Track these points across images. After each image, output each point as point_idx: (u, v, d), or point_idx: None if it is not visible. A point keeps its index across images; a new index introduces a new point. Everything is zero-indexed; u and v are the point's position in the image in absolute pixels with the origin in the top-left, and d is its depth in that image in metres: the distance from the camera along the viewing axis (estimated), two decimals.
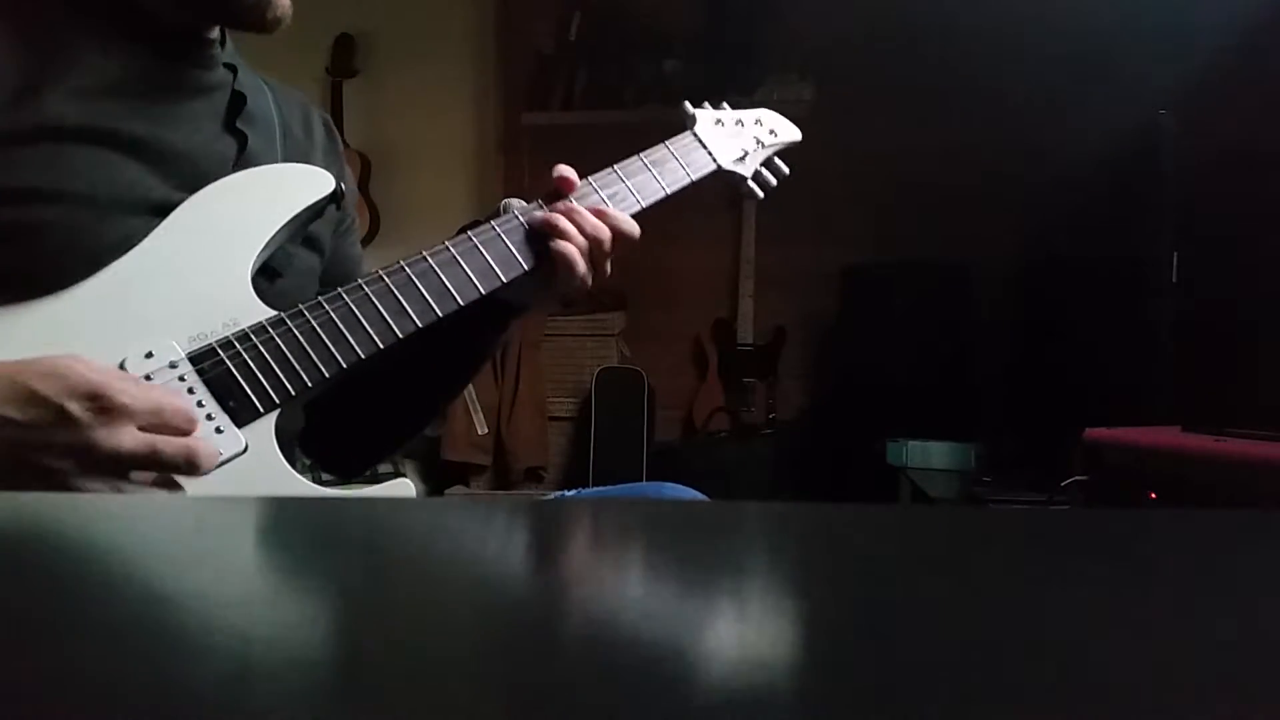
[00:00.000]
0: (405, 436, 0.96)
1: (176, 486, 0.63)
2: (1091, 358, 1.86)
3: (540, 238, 0.79)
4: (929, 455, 2.23)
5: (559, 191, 0.81)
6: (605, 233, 0.79)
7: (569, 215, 0.79)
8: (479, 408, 2.66)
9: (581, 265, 0.78)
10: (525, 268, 0.78)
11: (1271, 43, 1.86)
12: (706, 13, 2.82)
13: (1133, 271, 1.66)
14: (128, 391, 0.61)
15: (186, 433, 0.63)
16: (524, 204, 0.82)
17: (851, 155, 2.61)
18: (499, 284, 0.77)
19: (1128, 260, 1.69)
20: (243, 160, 0.77)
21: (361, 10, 2.95)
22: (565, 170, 0.81)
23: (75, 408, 0.59)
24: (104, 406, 0.59)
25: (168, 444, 0.61)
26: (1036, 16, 2.29)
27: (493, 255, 0.77)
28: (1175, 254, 1.57)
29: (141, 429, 0.61)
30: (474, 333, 0.84)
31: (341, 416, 0.85)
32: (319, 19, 2.86)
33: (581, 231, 0.78)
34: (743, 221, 2.82)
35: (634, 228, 0.82)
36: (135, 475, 0.61)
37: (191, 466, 0.62)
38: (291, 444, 0.79)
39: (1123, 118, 1.75)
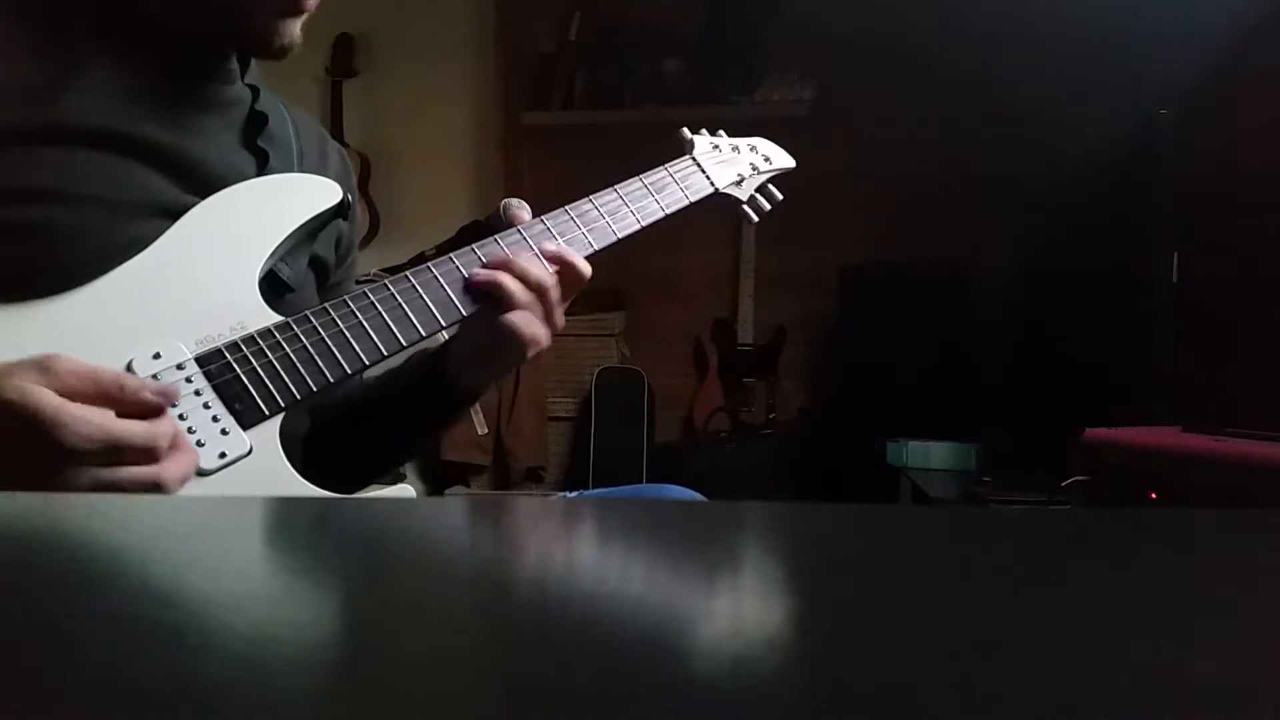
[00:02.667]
0: (378, 472, 0.94)
1: None
2: (1092, 358, 1.86)
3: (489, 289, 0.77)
4: (929, 455, 2.23)
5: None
6: (549, 281, 0.77)
7: (508, 268, 0.77)
8: (479, 408, 2.66)
9: (529, 330, 0.76)
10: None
11: (1271, 43, 1.86)
12: (707, 12, 2.82)
13: (1132, 272, 1.66)
14: (79, 418, 0.56)
15: (152, 458, 0.59)
16: (522, 203, 0.83)
17: (851, 155, 2.61)
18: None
19: (1127, 261, 1.69)
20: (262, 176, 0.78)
21: (361, 10, 2.95)
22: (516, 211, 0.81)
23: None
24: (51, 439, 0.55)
25: (130, 476, 0.58)
26: (1037, 16, 2.29)
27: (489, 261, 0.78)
28: (1175, 254, 1.57)
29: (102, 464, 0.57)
30: (426, 417, 0.86)
31: (320, 449, 0.84)
32: (319, 19, 2.82)
33: (526, 283, 0.77)
34: (743, 222, 2.82)
35: (585, 269, 0.80)
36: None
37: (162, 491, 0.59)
38: (295, 446, 0.79)
39: (1123, 118, 1.75)
